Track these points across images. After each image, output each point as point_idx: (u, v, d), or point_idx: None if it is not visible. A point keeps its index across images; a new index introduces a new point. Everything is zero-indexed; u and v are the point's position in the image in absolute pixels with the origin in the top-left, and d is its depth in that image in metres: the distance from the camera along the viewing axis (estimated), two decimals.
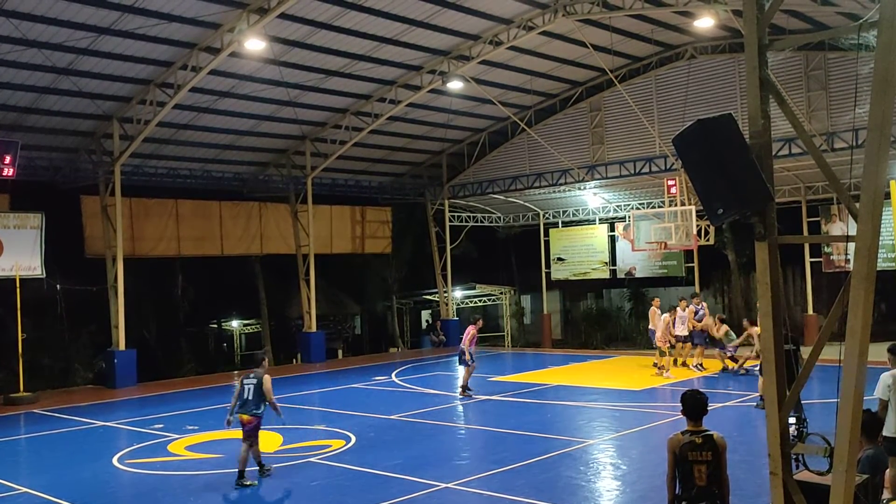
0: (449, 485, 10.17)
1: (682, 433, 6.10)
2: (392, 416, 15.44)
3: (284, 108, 23.70)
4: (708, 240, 23.23)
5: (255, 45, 18.66)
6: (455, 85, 23.47)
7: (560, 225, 32.67)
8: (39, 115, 20.65)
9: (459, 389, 17.80)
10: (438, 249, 32.16)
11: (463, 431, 14.34)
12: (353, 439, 13.20)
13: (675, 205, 22.83)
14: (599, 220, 31.51)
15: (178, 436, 14.20)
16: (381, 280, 37.93)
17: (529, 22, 21.30)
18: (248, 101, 22.73)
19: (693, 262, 29.10)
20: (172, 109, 20.80)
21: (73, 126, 21.75)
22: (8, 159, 19.41)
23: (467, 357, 17.50)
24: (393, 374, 22.21)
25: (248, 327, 42.59)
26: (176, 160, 24.94)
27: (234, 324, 42.79)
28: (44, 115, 20.71)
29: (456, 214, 32.73)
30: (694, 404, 6.15)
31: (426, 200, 32.01)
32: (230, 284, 36.63)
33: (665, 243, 22.84)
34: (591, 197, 30.54)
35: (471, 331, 17.70)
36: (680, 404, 6.25)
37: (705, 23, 20.88)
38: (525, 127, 27.54)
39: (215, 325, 41.99)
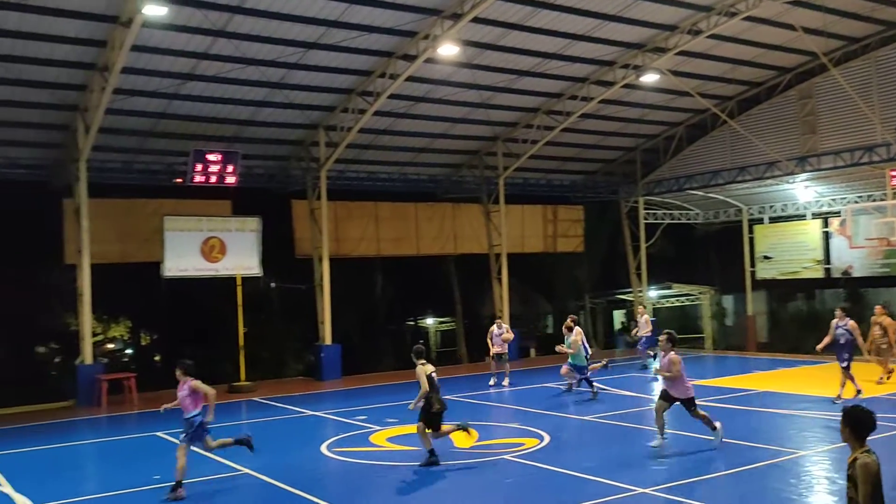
0: (647, 490, 9.87)
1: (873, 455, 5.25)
2: (586, 417, 15.24)
3: (477, 110, 24.11)
4: None
5: (448, 50, 19.13)
6: (650, 78, 22.77)
7: (766, 221, 30.73)
8: (256, 127, 22.42)
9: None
10: (633, 248, 31.37)
11: (663, 436, 13.85)
12: (547, 438, 13.16)
13: None
14: (812, 214, 29.28)
15: (379, 427, 14.86)
16: (573, 279, 37.56)
17: (732, 7, 20.19)
18: (441, 105, 23.36)
19: None
20: (372, 116, 21.80)
21: (284, 136, 23.41)
22: (231, 168, 21.31)
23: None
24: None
25: (443, 325, 43.74)
26: (375, 164, 26.13)
27: (430, 321, 44.10)
28: (260, 127, 22.46)
29: (651, 212, 31.75)
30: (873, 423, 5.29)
31: (620, 198, 31.33)
32: (426, 283, 37.77)
33: (888, 240, 20.90)
34: (802, 190, 28.43)
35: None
36: (859, 422, 5.30)
37: None
38: (726, 119, 26.18)
39: (412, 323, 43.53)
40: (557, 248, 32.08)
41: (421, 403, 11.75)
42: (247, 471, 11.76)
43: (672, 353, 11.99)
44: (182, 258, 21.75)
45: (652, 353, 22.85)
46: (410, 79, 20.71)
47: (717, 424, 12.15)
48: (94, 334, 26.62)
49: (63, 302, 33.97)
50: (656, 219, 32.00)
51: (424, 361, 11.98)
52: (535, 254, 32.06)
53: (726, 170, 27.49)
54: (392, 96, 21.29)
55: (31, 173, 21.43)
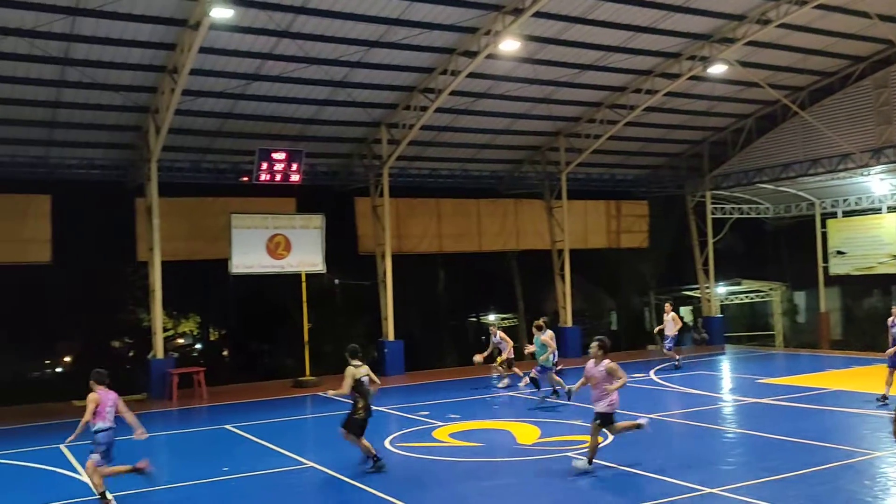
0: (714, 490, 9.67)
1: None
2: (651, 415, 14.99)
3: (539, 106, 23.95)
4: None
5: (509, 45, 19.04)
6: (717, 70, 22.24)
7: (839, 215, 29.74)
8: (319, 126, 22.72)
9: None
10: (699, 243, 30.75)
11: (730, 435, 13.56)
12: (611, 437, 13.01)
13: None
14: (887, 208, 28.21)
15: (441, 423, 14.91)
16: (638, 275, 37.04)
17: None
18: (503, 101, 23.27)
19: None
20: (434, 113, 21.85)
21: (347, 134, 23.67)
22: (295, 166, 21.68)
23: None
24: (651, 372, 21.59)
25: (505, 321, 43.64)
26: (437, 161, 26.20)
27: (492, 318, 44.07)
28: (323, 125, 22.75)
29: (719, 206, 31.06)
30: None
31: (686, 192, 30.73)
32: (488, 280, 37.76)
33: None
34: (878, 183, 27.39)
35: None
36: None
37: None
38: (798, 110, 25.41)
39: (474, 319, 43.57)
40: (621, 243, 31.65)
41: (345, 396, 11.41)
42: (311, 464, 11.95)
43: (606, 360, 10.94)
44: (248, 255, 22.20)
45: (678, 358, 22.29)
46: (472, 75, 20.68)
47: (643, 421, 11.58)
48: (165, 330, 27.45)
49: (136, 298, 35.15)
50: (724, 213, 31.30)
51: (359, 363, 11.44)
52: (598, 250, 31.72)
53: (798, 162, 26.70)
54: (453, 93, 21.29)
55: (106, 173, 22.15)
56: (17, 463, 12.99)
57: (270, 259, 22.57)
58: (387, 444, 13.27)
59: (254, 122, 21.69)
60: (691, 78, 23.01)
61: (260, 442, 13.86)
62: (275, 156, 21.42)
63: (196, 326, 41.70)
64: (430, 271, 36.81)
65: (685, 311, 39.08)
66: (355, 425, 11.36)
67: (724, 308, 33.71)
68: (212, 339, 42.28)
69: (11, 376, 33.83)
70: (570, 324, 27.38)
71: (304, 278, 22.99)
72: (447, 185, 27.22)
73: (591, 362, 11.09)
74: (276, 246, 22.65)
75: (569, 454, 11.83)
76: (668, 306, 22.90)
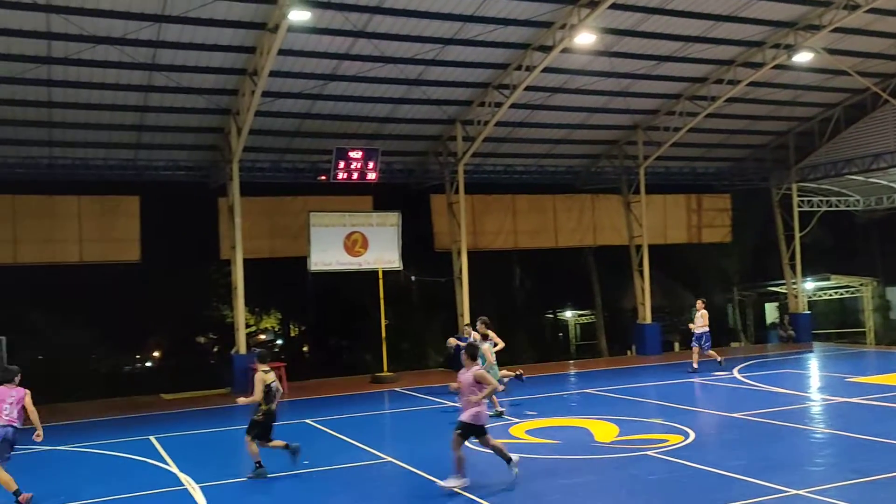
0: (800, 492, 9.35)
1: None
2: (734, 414, 14.61)
3: (615, 99, 23.60)
4: None
5: (585, 38, 18.81)
6: (803, 58, 21.46)
7: None
8: (395, 124, 22.93)
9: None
10: (785, 237, 29.78)
11: (818, 435, 13.08)
12: (692, 435, 12.73)
13: None
14: None
15: (518, 420, 14.86)
16: (720, 271, 36.13)
17: None
18: (579, 95, 23.02)
19: None
20: (508, 109, 21.78)
21: (422, 132, 23.81)
22: (371, 165, 21.95)
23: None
24: (735, 370, 21.01)
25: (583, 318, 43.23)
26: (512, 157, 26.10)
27: (569, 314, 43.71)
28: (399, 124, 22.96)
29: (805, 199, 30.01)
30: None
31: (771, 185, 29.79)
32: (564, 276, 37.47)
33: None
34: None
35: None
36: None
37: None
38: (888, 98, 24.30)
39: (551, 316, 43.29)
40: (703, 238, 30.94)
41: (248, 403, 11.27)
42: (390, 459, 12.08)
43: (475, 367, 10.33)
44: (326, 252, 22.60)
45: (719, 359, 21.02)
46: (547, 70, 20.53)
47: (515, 457, 10.42)
48: (248, 326, 28.19)
49: (219, 295, 36.22)
50: (811, 206, 30.21)
51: (268, 368, 11.35)
52: (678, 245, 31.07)
53: (889, 153, 25.55)
54: (528, 88, 21.18)
55: (191, 174, 22.88)
56: (110, 453, 13.57)
57: (348, 256, 22.92)
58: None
59: (331, 122, 22.05)
60: (775, 67, 22.27)
61: (339, 436, 14.10)
62: (351, 154, 21.74)
63: (277, 323, 42.69)
64: (506, 268, 36.74)
65: (770, 307, 37.93)
66: (257, 428, 11.25)
67: (811, 304, 32.57)
68: (292, 335, 43.21)
69: (105, 371, 35.35)
70: (649, 320, 26.93)
71: (380, 275, 23.25)
72: (522, 181, 27.11)
73: (463, 369, 10.49)
74: (354, 243, 22.98)
75: (648, 453, 11.64)
76: (699, 303, 21.87)
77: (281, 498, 10.49)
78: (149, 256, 23.58)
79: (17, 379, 10.38)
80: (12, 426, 10.08)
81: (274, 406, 11.36)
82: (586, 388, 19.27)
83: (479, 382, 10.18)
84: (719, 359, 21.04)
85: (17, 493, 10.03)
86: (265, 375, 11.21)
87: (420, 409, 17.36)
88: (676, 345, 33.17)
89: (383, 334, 23.24)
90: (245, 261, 21.45)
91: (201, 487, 10.73)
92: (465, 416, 10.18)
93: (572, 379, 21.91)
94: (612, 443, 12.48)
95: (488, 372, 14.18)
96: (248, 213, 21.87)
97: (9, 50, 16.89)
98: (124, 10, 16.21)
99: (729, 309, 38.44)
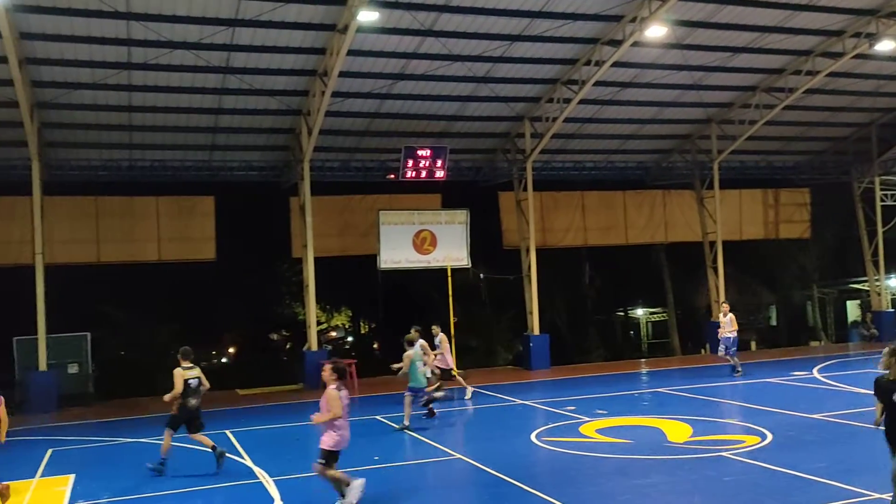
0: (882, 496, 8.97)
1: None
2: (814, 415, 14.14)
3: (688, 93, 23.11)
4: None
5: (656, 31, 18.48)
6: (886, 46, 20.60)
7: None
8: (463, 122, 22.95)
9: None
10: (868, 232, 28.69)
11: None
12: (770, 437, 12.37)
13: None
14: None
15: (588, 418, 14.70)
16: (799, 267, 35.06)
17: None
18: (650, 89, 22.62)
19: None
20: (577, 105, 21.56)
21: (490, 129, 23.77)
22: (440, 163, 22.05)
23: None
24: (814, 370, 20.35)
25: (654, 316, 42.52)
26: (581, 153, 25.83)
27: (640, 312, 43.07)
28: (467, 122, 22.97)
29: (889, 192, 28.80)
30: None
31: (852, 178, 28.76)
32: (635, 273, 36.93)
33: None
34: None
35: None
36: None
37: None
38: None
39: (622, 313, 42.72)
40: (780, 234, 30.10)
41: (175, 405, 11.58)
42: (459, 456, 12.11)
43: (332, 387, 9.13)
44: (396, 250, 22.82)
45: (738, 368, 20.00)
46: (616, 64, 20.24)
47: (356, 482, 9.36)
48: (319, 323, 28.63)
49: (291, 293, 36.92)
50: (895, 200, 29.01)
51: (190, 365, 11.74)
52: (754, 241, 30.29)
53: None
54: (598, 83, 20.93)
55: (263, 174, 23.37)
56: (188, 446, 13.96)
57: (417, 254, 23.10)
58: (532, 438, 13.24)
59: (399, 121, 22.21)
60: (856, 56, 21.45)
61: (409, 433, 14.20)
62: (420, 153, 21.87)
63: (347, 320, 43.27)
64: (575, 265, 36.41)
65: (852, 305, 36.58)
66: (175, 422, 11.68)
67: (895, 302, 31.25)
68: (362, 332, 43.72)
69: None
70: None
71: (449, 273, 23.33)
72: (592, 177, 26.81)
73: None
74: (423, 241, 23.13)
75: (724, 454, 11.36)
76: (725, 306, 20.77)
77: None
78: (223, 255, 24.21)
79: None
80: None
81: (192, 401, 11.72)
82: (658, 387, 18.93)
83: (330, 401, 9.11)
84: (739, 368, 20.09)
85: None
86: (184, 371, 11.63)
87: (489, 407, 17.35)
88: (753, 344, 32.31)
89: (452, 332, 23.28)
90: (316, 259, 21.81)
91: (275, 481, 10.96)
92: (322, 442, 9.25)
93: (644, 378, 21.56)
94: (685, 443, 12.23)
95: (416, 376, 14.51)
96: (318, 212, 22.23)
97: (92, 57, 17.58)
98: (199, 15, 16.68)
99: (808, 307, 37.25)
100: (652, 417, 14.60)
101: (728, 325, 20.15)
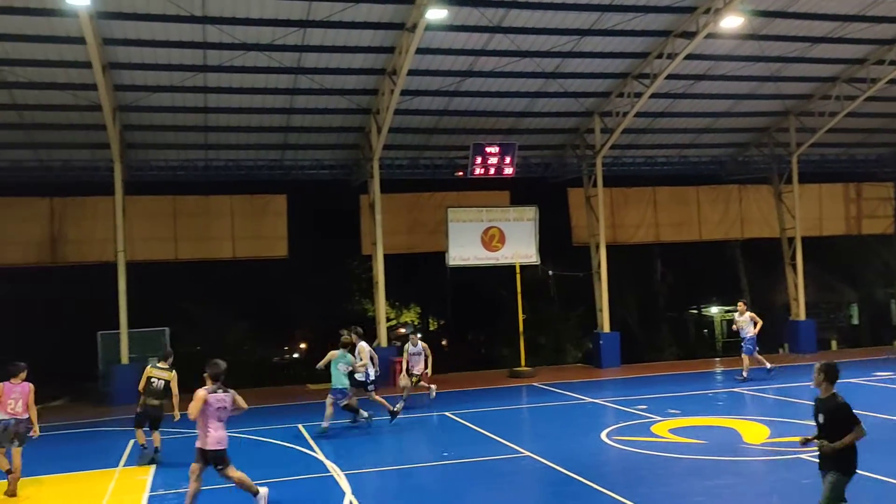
0: None
1: None
2: None
3: (765, 85, 22.46)
4: None
5: (731, 22, 17.98)
6: None
7: None
8: (532, 118, 22.81)
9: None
10: None
11: None
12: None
13: None
14: None
15: (660, 418, 14.45)
16: (882, 264, 33.66)
17: None
18: (724, 82, 22.07)
19: None
20: (649, 99, 21.18)
21: (559, 125, 23.56)
22: (508, 160, 21.98)
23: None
24: None
25: (729, 314, 41.48)
26: (652, 148, 25.38)
27: (714, 310, 42.13)
28: (535, 118, 22.82)
29: None
30: None
31: None
32: (709, 270, 36.11)
33: None
34: None
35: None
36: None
37: None
38: None
39: (695, 311, 41.84)
40: (862, 229, 29.00)
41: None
42: (528, 453, 12.05)
43: (203, 389, 8.87)
44: (464, 248, 22.86)
45: (770, 366, 19.01)
46: (689, 57, 19.81)
47: (262, 490, 9.26)
48: (388, 319, 28.87)
49: (361, 290, 37.35)
50: None
51: (166, 366, 12.35)
52: (835, 237, 29.24)
53: None
54: (670, 77, 20.52)
55: (334, 173, 23.68)
56: (262, 439, 14.28)
57: (485, 251, 23.10)
58: (603, 436, 13.09)
59: (468, 118, 22.22)
60: None
61: (478, 429, 14.21)
62: (488, 150, 21.84)
63: (416, 317, 43.53)
64: (647, 261, 35.79)
65: None
66: (139, 419, 12.35)
67: None
68: (431, 328, 43.92)
69: (256, 361, 37.23)
70: (803, 317, 25.54)
71: (518, 270, 23.25)
72: (664, 172, 26.32)
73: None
74: (491, 238, 23.11)
75: (802, 456, 11.01)
76: (741, 305, 19.86)
77: (420, 488, 10.68)
78: (295, 252, 24.64)
79: (23, 375, 11.06)
80: (15, 418, 10.83)
81: (153, 401, 12.22)
82: (734, 386, 18.48)
83: (195, 401, 8.89)
84: (745, 373, 19.15)
85: (8, 472, 10.86)
86: (152, 370, 12.35)
87: (559, 405, 17.22)
88: (834, 343, 31.20)
89: (521, 329, 23.22)
90: (385, 256, 22.01)
91: (346, 475, 11.11)
92: (199, 441, 9.00)
93: (718, 377, 21.08)
94: (762, 444, 11.92)
95: (337, 378, 14.15)
96: (387, 210, 22.43)
97: (170, 60, 18.12)
98: (272, 17, 17.01)
99: (892, 305, 35.77)
100: (727, 418, 14.27)
101: (748, 326, 19.25)
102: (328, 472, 11.41)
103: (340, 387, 14.22)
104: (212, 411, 8.85)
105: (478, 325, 38.10)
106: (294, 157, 23.01)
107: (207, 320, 31.20)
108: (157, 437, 12.48)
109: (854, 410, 7.16)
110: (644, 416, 14.76)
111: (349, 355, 14.53)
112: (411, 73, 18.70)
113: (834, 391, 7.28)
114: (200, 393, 8.88)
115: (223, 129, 21.28)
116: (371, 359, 15.14)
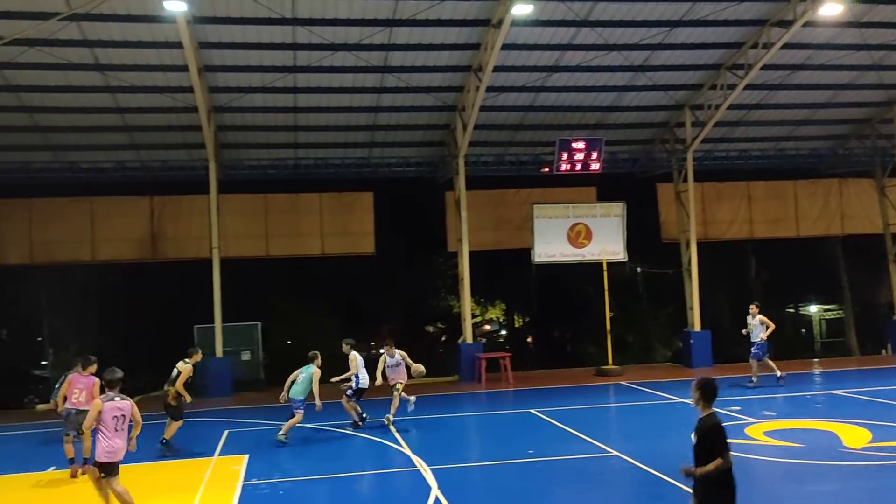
0: None
1: None
2: None
3: (867, 74, 21.45)
4: None
5: (831, 9, 17.23)
6: None
7: None
8: (619, 112, 22.42)
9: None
10: None
11: None
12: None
13: None
14: None
15: (755, 420, 14.01)
16: None
17: None
18: (824, 72, 21.18)
19: None
20: (743, 91, 20.52)
21: (648, 119, 23.08)
22: (594, 155, 21.67)
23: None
24: None
25: (828, 313, 39.93)
26: (746, 141, 24.57)
27: (812, 309, 40.58)
28: (623, 112, 22.42)
29: None
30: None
31: None
32: (807, 267, 34.74)
33: None
34: None
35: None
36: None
37: None
38: None
39: (791, 310, 40.38)
40: None
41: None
42: (615, 452, 11.88)
43: (98, 398, 8.74)
44: (550, 244, 22.66)
45: (780, 373, 17.94)
46: (786, 46, 19.08)
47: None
48: (474, 316, 28.96)
49: (447, 286, 37.56)
50: None
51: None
52: None
53: None
54: (765, 67, 19.82)
55: (420, 170, 23.85)
56: (349, 432, 14.54)
57: (571, 248, 22.84)
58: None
59: (554, 114, 22.02)
60: None
61: (564, 427, 14.09)
62: (574, 145, 21.58)
63: (502, 314, 43.45)
64: (740, 258, 34.69)
65: None
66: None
67: None
68: (516, 325, 43.78)
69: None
70: None
71: (605, 267, 22.92)
72: (759, 166, 25.42)
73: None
74: (577, 235, 22.84)
75: None
76: (753, 307, 18.55)
77: (505, 484, 10.66)
78: (382, 249, 24.96)
79: (92, 368, 11.41)
80: (76, 409, 11.24)
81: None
82: (833, 389, 17.74)
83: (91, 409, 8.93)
84: (754, 378, 18.11)
85: (72, 461, 11.39)
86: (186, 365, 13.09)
87: (647, 404, 16.90)
88: None
89: (608, 326, 22.88)
90: (471, 252, 22.06)
91: (432, 469, 11.19)
92: (99, 454, 8.73)
93: (817, 379, 20.28)
94: (863, 449, 11.40)
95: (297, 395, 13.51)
96: (473, 206, 22.47)
97: (261, 62, 18.63)
98: (359, 17, 17.28)
99: None
100: (826, 421, 13.71)
101: (759, 329, 18.24)
102: (414, 466, 11.52)
103: (295, 398, 13.56)
104: (108, 420, 8.67)
105: (563, 323, 37.73)
106: (381, 154, 23.30)
107: (297, 315, 31.95)
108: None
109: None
110: (738, 417, 14.32)
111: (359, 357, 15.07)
112: (497, 69, 18.66)
113: (712, 410, 6.61)
114: (96, 402, 8.90)
115: (312, 129, 21.73)
116: (363, 367, 15.03)
